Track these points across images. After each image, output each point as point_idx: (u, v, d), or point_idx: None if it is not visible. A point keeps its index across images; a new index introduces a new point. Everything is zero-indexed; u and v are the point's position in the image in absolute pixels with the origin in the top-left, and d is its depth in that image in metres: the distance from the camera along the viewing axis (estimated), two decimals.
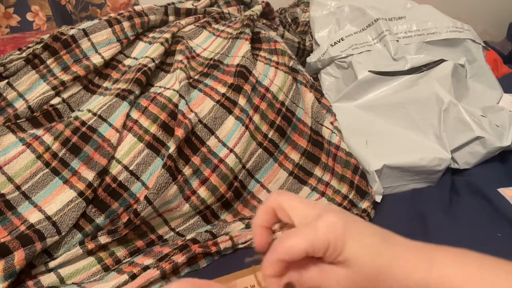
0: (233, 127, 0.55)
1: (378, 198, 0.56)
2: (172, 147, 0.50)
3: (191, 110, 0.54)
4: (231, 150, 0.54)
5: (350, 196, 0.55)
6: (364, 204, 0.54)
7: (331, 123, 0.63)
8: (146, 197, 0.47)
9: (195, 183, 0.52)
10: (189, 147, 0.53)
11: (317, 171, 0.59)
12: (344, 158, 0.58)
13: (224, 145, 0.54)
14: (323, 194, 0.57)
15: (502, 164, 0.61)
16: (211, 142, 0.54)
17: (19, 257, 0.41)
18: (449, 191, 0.57)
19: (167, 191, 0.49)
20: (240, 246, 0.49)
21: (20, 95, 0.57)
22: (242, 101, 0.57)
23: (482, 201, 0.53)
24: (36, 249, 0.42)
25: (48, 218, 0.46)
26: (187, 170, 0.51)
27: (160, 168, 0.50)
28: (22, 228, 0.46)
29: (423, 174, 0.59)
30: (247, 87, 0.58)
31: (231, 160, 0.53)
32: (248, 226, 0.51)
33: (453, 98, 0.61)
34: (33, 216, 0.47)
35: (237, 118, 0.56)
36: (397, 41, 0.73)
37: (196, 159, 0.52)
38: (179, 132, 0.51)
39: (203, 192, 0.52)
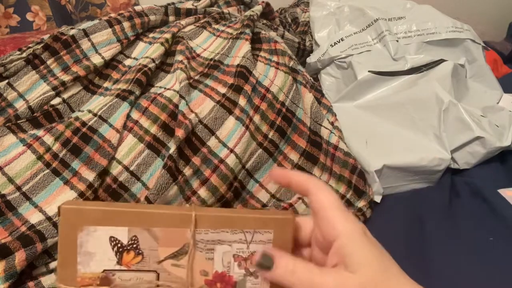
0: (233, 127, 0.55)
1: (378, 199, 0.56)
2: (172, 147, 0.50)
3: (192, 111, 0.55)
4: (232, 150, 0.54)
5: (348, 196, 0.55)
6: (360, 203, 0.54)
7: (332, 123, 0.63)
8: (146, 198, 0.47)
9: (195, 183, 0.52)
10: (190, 148, 0.53)
11: (316, 171, 0.59)
12: (342, 158, 0.58)
13: (225, 145, 0.54)
14: None
15: (502, 165, 0.61)
16: (212, 142, 0.54)
17: (20, 257, 0.41)
18: (449, 191, 0.57)
19: (167, 192, 0.49)
20: None
21: (21, 96, 0.57)
22: (242, 101, 0.57)
23: (482, 202, 0.53)
24: (37, 249, 0.42)
25: (48, 218, 0.46)
26: (187, 171, 0.51)
27: (161, 169, 0.50)
28: (23, 228, 0.46)
29: (423, 174, 0.59)
30: (247, 88, 0.58)
31: (231, 160, 0.53)
32: None
33: (453, 98, 0.61)
34: (34, 217, 0.47)
35: (237, 119, 0.56)
36: (397, 41, 0.73)
37: (196, 160, 0.52)
38: (180, 133, 0.51)
39: (203, 192, 0.52)
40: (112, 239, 0.28)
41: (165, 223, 0.29)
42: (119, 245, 0.28)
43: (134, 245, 0.29)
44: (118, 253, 0.28)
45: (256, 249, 0.29)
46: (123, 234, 0.28)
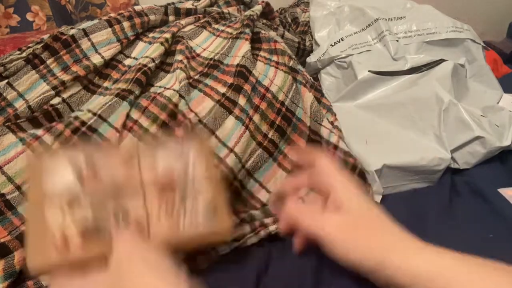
0: (233, 127, 0.55)
1: (378, 198, 0.56)
2: None
3: (191, 110, 0.54)
4: (231, 150, 0.54)
5: None
6: None
7: (331, 122, 0.63)
8: None
9: None
10: None
11: None
12: (342, 157, 0.57)
13: (224, 145, 0.54)
14: None
15: (502, 164, 0.61)
16: (212, 142, 0.53)
17: (19, 257, 0.41)
18: (449, 191, 0.57)
19: None
20: (236, 244, 0.48)
21: (20, 95, 0.57)
22: (242, 101, 0.57)
23: (482, 201, 0.53)
24: None
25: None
26: None
27: None
28: (23, 227, 0.46)
29: (423, 174, 0.59)
30: (247, 87, 0.58)
31: (231, 160, 0.53)
32: (243, 221, 0.50)
33: (453, 98, 0.61)
34: None
35: (237, 118, 0.56)
36: (397, 41, 0.73)
37: None
38: (179, 133, 0.51)
39: None
40: (73, 165, 0.37)
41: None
42: (79, 168, 0.37)
43: (91, 164, 0.37)
44: (78, 175, 0.36)
45: (188, 151, 0.41)
46: (80, 160, 0.37)
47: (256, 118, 0.57)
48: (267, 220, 0.49)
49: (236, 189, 0.54)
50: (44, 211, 0.34)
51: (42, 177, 0.35)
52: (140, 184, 0.37)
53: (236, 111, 0.56)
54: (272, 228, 0.48)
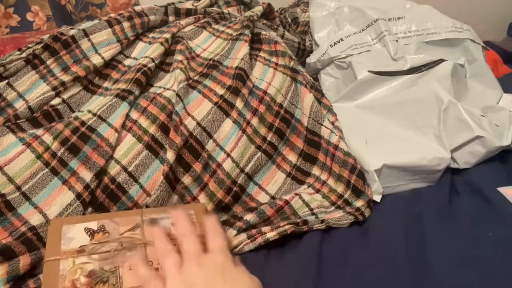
0: (230, 130, 0.55)
1: (378, 198, 0.56)
2: (170, 154, 0.50)
3: (189, 114, 0.54)
4: (228, 155, 0.54)
5: (346, 196, 0.55)
6: (359, 203, 0.54)
7: (332, 122, 0.63)
8: (147, 206, 0.48)
9: (196, 190, 0.52)
10: (191, 153, 0.53)
11: (316, 171, 0.59)
12: (342, 158, 0.57)
13: (222, 149, 0.54)
14: (318, 191, 0.57)
15: (502, 164, 0.61)
16: (210, 146, 0.53)
17: (24, 261, 0.41)
18: (448, 190, 0.57)
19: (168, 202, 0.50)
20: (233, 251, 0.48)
21: (20, 96, 0.57)
22: (239, 104, 0.57)
23: (482, 201, 0.53)
24: (41, 254, 0.43)
25: (49, 222, 0.46)
26: (186, 178, 0.52)
27: (160, 176, 0.50)
28: (23, 229, 0.46)
29: (422, 173, 0.59)
30: (245, 91, 0.58)
31: (227, 165, 0.53)
32: (239, 231, 0.50)
33: (453, 98, 0.61)
34: (34, 218, 0.47)
35: (234, 122, 0.56)
36: (397, 41, 0.73)
37: (198, 166, 0.52)
38: (177, 140, 0.51)
39: (202, 199, 0.52)
40: (86, 229, 0.44)
41: (123, 214, 0.47)
42: (91, 231, 0.44)
43: (102, 228, 0.44)
44: (90, 235, 0.43)
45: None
46: (93, 225, 0.44)
47: (255, 121, 0.57)
48: (264, 229, 0.49)
49: (235, 193, 0.54)
50: (59, 264, 0.40)
51: (61, 239, 0.42)
52: (143, 242, 0.43)
53: (234, 114, 0.56)
54: (269, 235, 0.48)
